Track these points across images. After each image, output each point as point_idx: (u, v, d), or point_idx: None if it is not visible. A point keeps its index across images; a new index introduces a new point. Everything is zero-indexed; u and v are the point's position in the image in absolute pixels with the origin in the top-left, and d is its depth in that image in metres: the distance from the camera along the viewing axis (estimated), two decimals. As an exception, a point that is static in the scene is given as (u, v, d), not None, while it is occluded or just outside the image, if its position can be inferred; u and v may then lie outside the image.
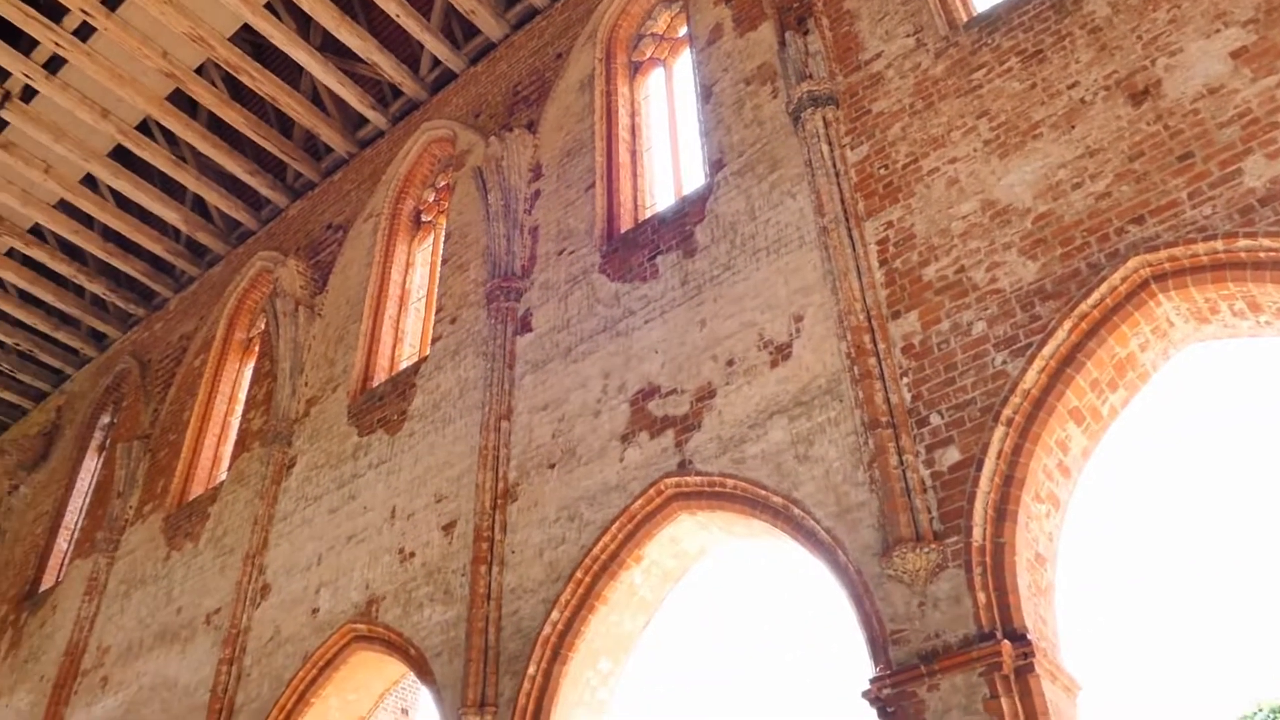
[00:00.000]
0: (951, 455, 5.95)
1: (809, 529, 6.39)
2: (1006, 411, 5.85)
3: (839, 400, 6.61)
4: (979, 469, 5.78)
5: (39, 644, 13.18)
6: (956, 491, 5.82)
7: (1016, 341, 6.03)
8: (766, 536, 7.30)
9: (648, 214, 9.55)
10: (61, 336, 16.35)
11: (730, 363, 7.42)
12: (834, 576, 6.20)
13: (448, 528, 8.70)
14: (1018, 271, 6.26)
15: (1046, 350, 5.88)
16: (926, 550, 5.70)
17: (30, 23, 11.80)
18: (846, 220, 7.21)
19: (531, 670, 7.27)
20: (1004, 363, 6.01)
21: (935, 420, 6.12)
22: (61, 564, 14.34)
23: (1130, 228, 5.94)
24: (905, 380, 6.39)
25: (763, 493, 6.71)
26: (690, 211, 8.57)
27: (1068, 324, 5.89)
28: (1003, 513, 5.66)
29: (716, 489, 7.05)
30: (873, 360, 6.51)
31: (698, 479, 7.14)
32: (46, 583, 14.24)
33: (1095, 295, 5.87)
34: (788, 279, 7.43)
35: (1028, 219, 6.39)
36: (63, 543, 14.64)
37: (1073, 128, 6.50)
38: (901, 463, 6.05)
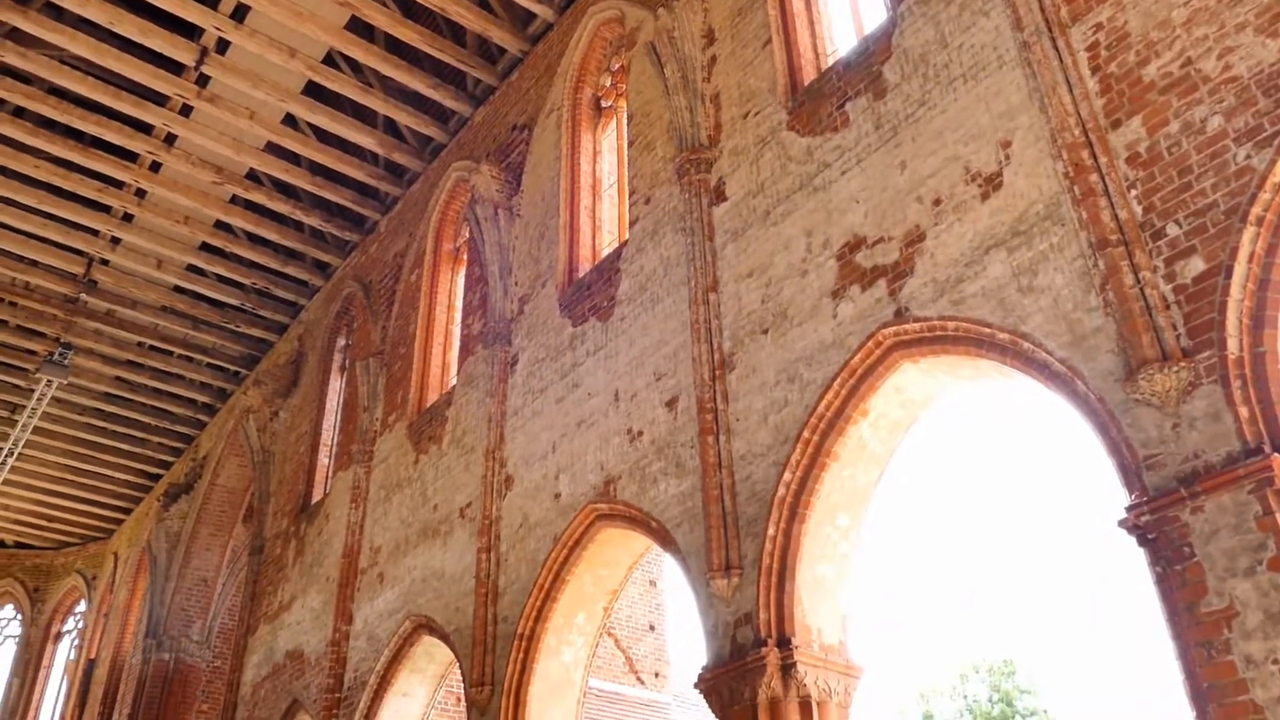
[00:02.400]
0: (1195, 266, 5.53)
1: (1041, 362, 6.14)
2: (1256, 210, 5.35)
3: (1060, 224, 6.23)
4: (1228, 276, 5.35)
5: (319, 550, 14.53)
6: (1204, 304, 5.42)
7: (1261, 132, 5.47)
8: (995, 376, 7.08)
9: (830, 61, 9.16)
10: (291, 271, 17.51)
11: (937, 202, 7.12)
12: (1073, 408, 5.95)
13: (670, 404, 8.89)
14: (1256, 54, 5.64)
15: (1296, 136, 5.32)
16: (1175, 369, 5.37)
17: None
18: (1049, 30, 6.67)
19: (771, 531, 7.42)
20: (1248, 157, 5.48)
21: (1172, 231, 5.69)
22: (326, 477, 15.66)
23: (1389, -19, 5.21)
24: (1133, 193, 5.95)
25: (987, 331, 6.48)
26: (875, 50, 8.16)
27: (1320, 103, 5.29)
28: (1260, 320, 5.24)
29: (937, 333, 6.86)
30: (1094, 177, 6.08)
31: (916, 325, 6.96)
32: (316, 495, 15.61)
33: (1351, 65, 5.23)
34: (989, 105, 7.00)
35: (1261, -8, 5.72)
36: (324, 458, 15.96)
37: (1308, -122, 5.71)
38: (1138, 280, 5.68)
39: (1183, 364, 5.37)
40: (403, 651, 11.77)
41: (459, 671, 11.01)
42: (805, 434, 7.44)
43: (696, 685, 7.58)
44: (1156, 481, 5.33)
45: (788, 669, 6.98)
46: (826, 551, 7.47)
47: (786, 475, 7.46)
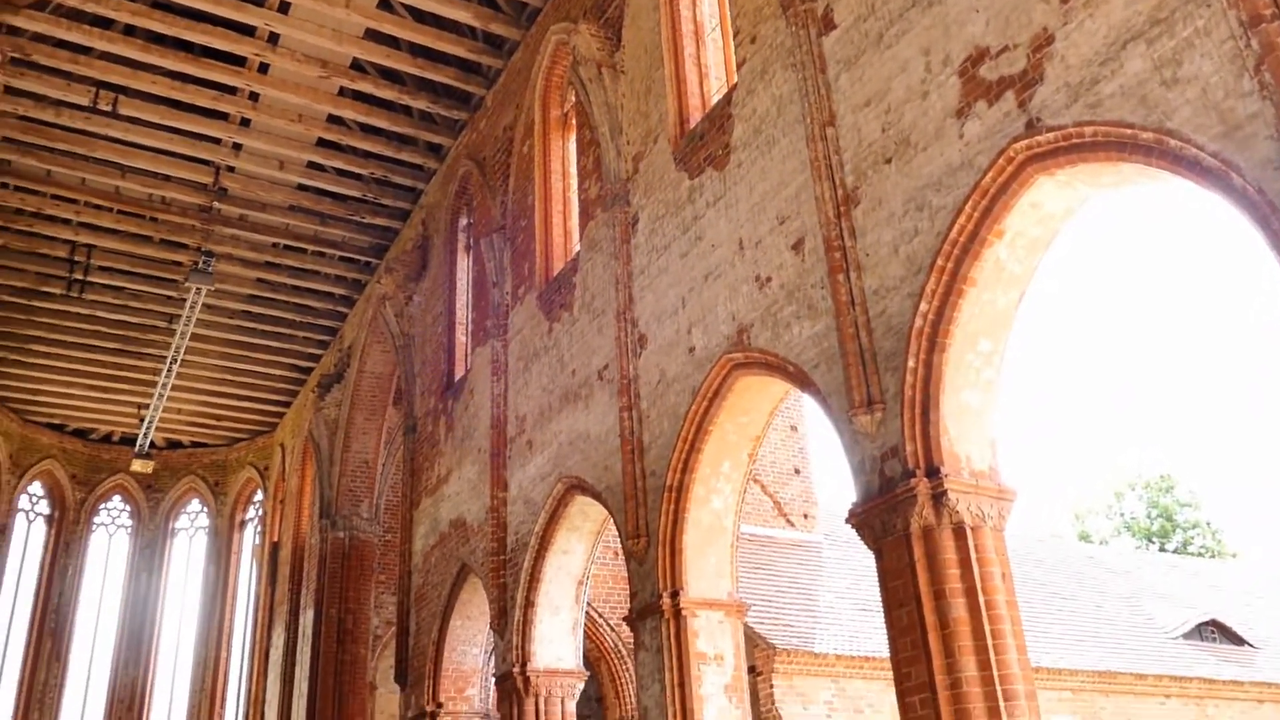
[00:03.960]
0: (1361, 32, 5.04)
1: (1190, 159, 5.77)
2: None
3: (1205, 6, 5.74)
4: (1401, 39, 4.87)
5: (468, 423, 15.10)
6: (1374, 72, 4.96)
7: None
8: (1139, 180, 6.71)
9: None
10: (405, 156, 17.71)
11: (1065, -1, 6.64)
12: (1229, 203, 5.60)
13: (796, 246, 8.76)
14: None
15: None
16: (1343, 148, 4.97)
17: None
18: None
19: (911, 363, 7.33)
20: None
21: (1334, -4, 5.18)
22: (466, 354, 16.14)
23: None
24: (1288, -41, 5.41)
25: (1129, 132, 6.10)
26: None
27: None
28: None
29: (1074, 142, 6.49)
30: (1241, -53, 5.55)
31: (1050, 135, 6.61)
32: (459, 372, 16.14)
33: None
34: (1118, -118, 6.41)
35: None
36: (461, 336, 16.42)
37: None
38: (1297, 56, 5.22)
39: (1351, 142, 4.96)
40: (558, 512, 12.26)
41: (614, 527, 11.43)
42: (939, 262, 7.25)
43: (848, 520, 7.68)
44: (1325, 271, 5.01)
45: (938, 498, 6.98)
46: (970, 379, 7.36)
47: (923, 306, 7.31)
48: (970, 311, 7.26)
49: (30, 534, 27.97)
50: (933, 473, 7.05)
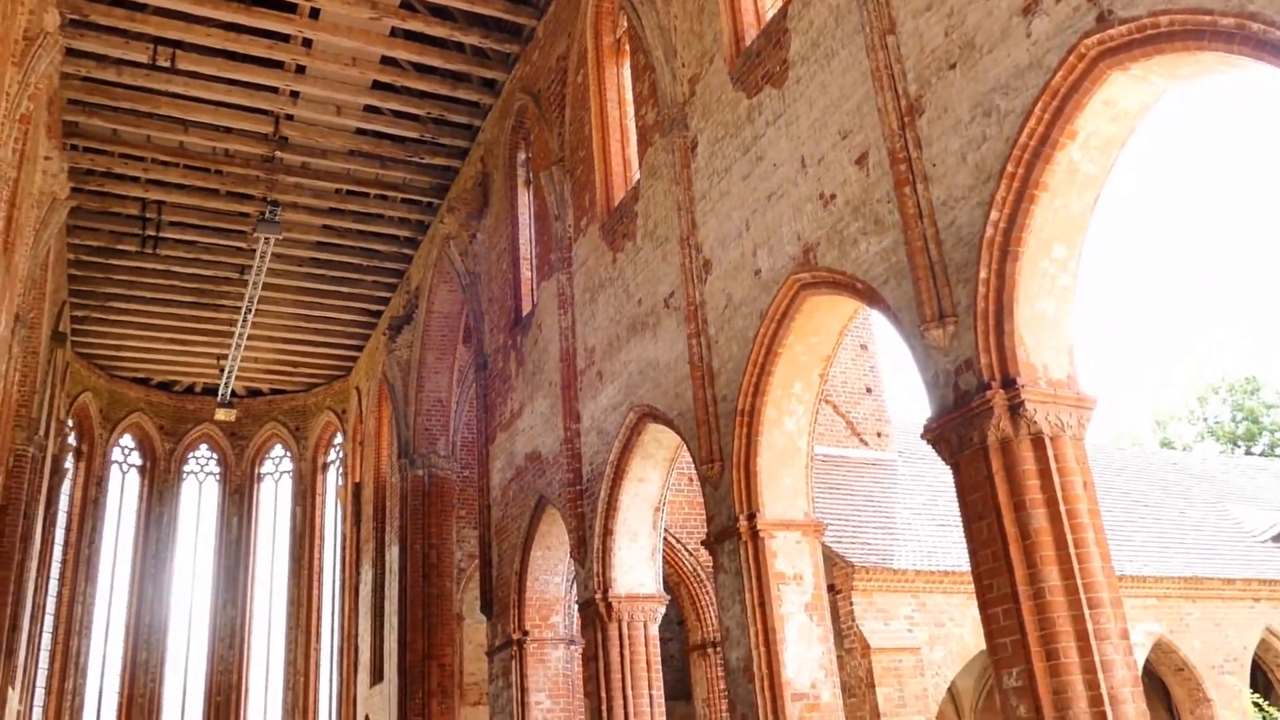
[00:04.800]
0: None
1: (1274, 42, 5.50)
2: None
3: (1288, -123, 5.42)
4: None
5: (538, 358, 15.23)
6: None
7: None
8: (1218, 69, 6.43)
9: None
10: (460, 94, 17.66)
11: (1135, -118, 6.31)
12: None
13: (860, 160, 8.59)
14: None
15: None
16: None
17: None
18: None
19: (983, 274, 7.18)
20: None
21: None
22: (532, 289, 16.22)
23: None
24: None
25: (1207, 19, 5.82)
26: None
27: None
28: None
29: (1148, 32, 6.22)
30: None
31: (1123, 29, 6.33)
32: (526, 307, 16.24)
33: None
34: None
35: None
36: (526, 271, 16.48)
37: None
38: (1389, -75, 4.92)
39: None
40: (631, 441, 12.36)
41: (687, 453, 11.50)
42: (1009, 168, 7.05)
43: (923, 436, 7.62)
44: None
45: (1015, 408, 6.88)
46: (1044, 286, 7.19)
47: (993, 214, 7.14)
48: (1043, 217, 7.07)
49: (125, 485, 29.11)
50: (1009, 384, 6.94)
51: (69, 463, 25.80)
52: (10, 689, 17.60)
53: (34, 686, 23.68)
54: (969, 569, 7.24)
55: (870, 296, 8.40)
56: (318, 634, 28.73)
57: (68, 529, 26.85)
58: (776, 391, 9.81)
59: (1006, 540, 6.71)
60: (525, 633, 14.98)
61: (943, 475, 16.62)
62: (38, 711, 24.83)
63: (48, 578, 24.02)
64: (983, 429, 6.98)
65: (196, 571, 29.66)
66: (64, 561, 26.57)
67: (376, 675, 22.59)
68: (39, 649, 23.95)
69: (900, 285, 7.96)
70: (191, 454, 30.00)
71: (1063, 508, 6.67)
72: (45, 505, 21.08)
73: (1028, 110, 6.93)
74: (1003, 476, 6.86)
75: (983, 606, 6.94)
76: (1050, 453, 6.82)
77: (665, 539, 14.73)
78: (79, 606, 26.69)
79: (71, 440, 26.12)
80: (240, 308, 22.42)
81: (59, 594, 26.19)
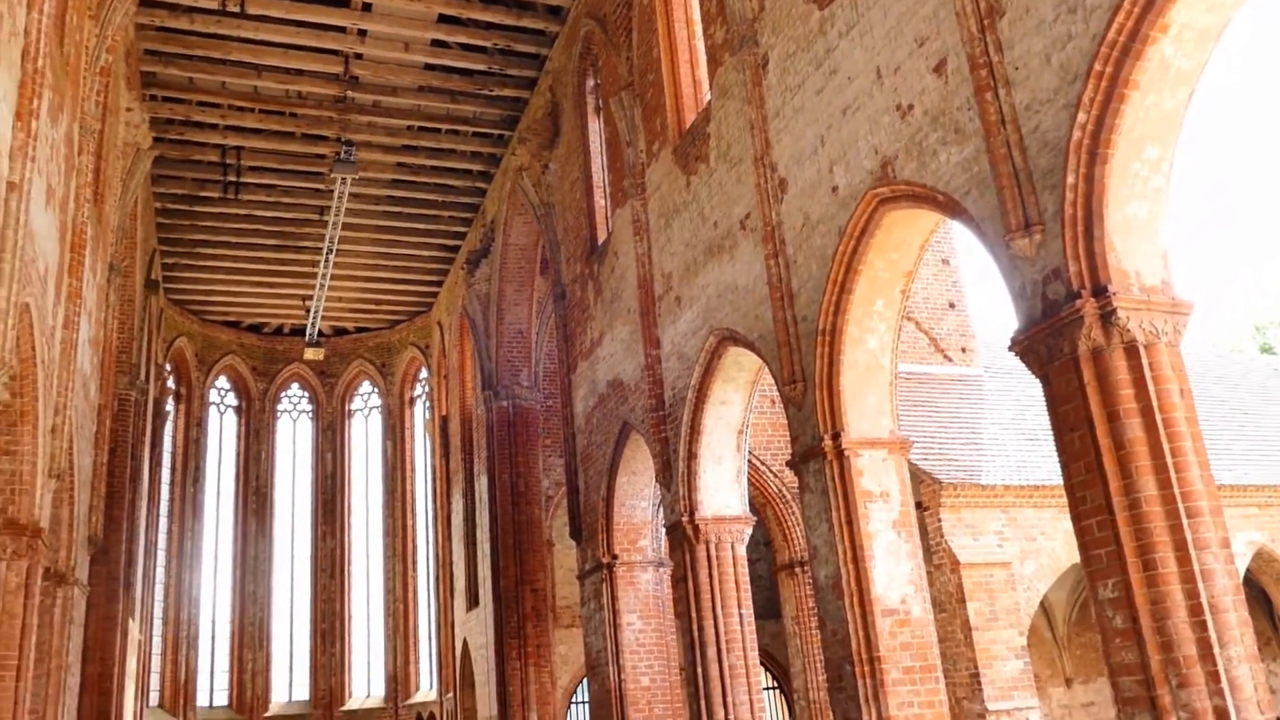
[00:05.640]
0: None
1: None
2: None
3: None
4: None
5: (615, 285, 15.25)
6: None
7: None
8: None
9: None
10: (526, 22, 17.47)
11: None
12: None
13: (938, 68, 8.32)
14: None
15: None
16: None
17: None
18: None
19: (1070, 179, 6.95)
20: None
21: None
22: (606, 217, 16.18)
23: None
24: None
25: (1312, -106, 5.47)
26: None
27: None
28: None
29: (1246, -87, 5.88)
30: None
31: (1219, -90, 5.99)
32: (601, 235, 16.22)
33: None
34: None
35: None
36: (599, 199, 16.43)
37: None
38: None
39: None
40: (712, 364, 12.37)
41: (769, 375, 11.47)
42: (1097, 67, 6.76)
43: (1010, 349, 7.48)
44: None
45: (1107, 316, 6.70)
46: (1136, 189, 6.94)
47: (1080, 116, 6.87)
48: (1134, 117, 6.79)
49: (223, 425, 30.17)
50: (1099, 292, 6.75)
51: (169, 406, 26.81)
52: (130, 620, 18.57)
53: (152, 618, 24.97)
54: (1060, 482, 7.14)
55: (952, 208, 8.21)
56: (414, 563, 29.66)
57: (172, 469, 28.01)
58: (858, 309, 9.69)
59: (1100, 451, 6.59)
60: (614, 556, 15.26)
61: (1031, 389, 16.34)
62: (157, 641, 26.22)
63: (157, 515, 25.13)
64: (1073, 339, 6.82)
65: (295, 506, 30.78)
66: (171, 499, 27.79)
67: (472, 601, 23.28)
68: (154, 582, 25.18)
69: (983, 195, 7.75)
70: (284, 393, 30.91)
71: (1158, 416, 6.51)
72: (150, 447, 21.96)
73: (1116, 4, 6.62)
74: (1095, 387, 6.71)
75: (1076, 519, 6.85)
76: (1144, 361, 6.64)
77: (750, 461, 14.79)
78: (188, 541, 27.94)
79: (170, 384, 27.10)
80: (322, 249, 22.83)
81: (169, 530, 27.44)
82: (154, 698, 25.95)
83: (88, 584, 15.55)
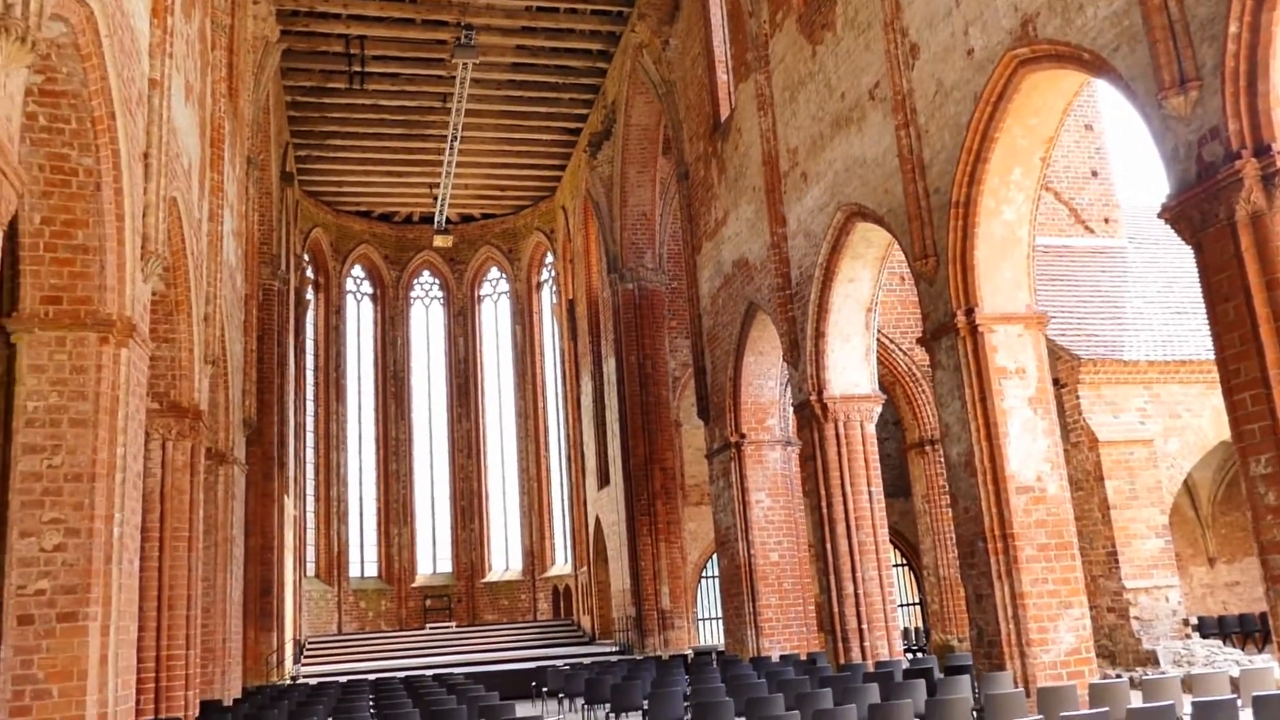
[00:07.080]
0: None
1: None
2: None
3: None
4: None
5: (739, 163, 14.98)
6: None
7: None
8: None
9: None
10: (642, -109, 16.91)
11: None
12: None
13: (1087, -87, 7.72)
14: None
15: None
16: None
17: None
18: None
19: (1233, 29, 6.42)
20: None
21: None
22: (729, 93, 15.81)
23: None
24: None
25: None
26: None
27: None
28: None
29: None
30: None
31: None
32: (724, 112, 15.89)
33: None
34: None
35: None
36: (721, 75, 16.04)
37: None
38: None
39: None
40: (840, 241, 12.12)
41: (898, 251, 11.18)
42: (1267, -99, 6.16)
43: (1160, 216, 7.07)
44: None
45: (1269, 179, 6.26)
46: (1308, 37, 6.37)
47: (1246, -42, 6.31)
48: (1308, -44, 6.20)
49: (360, 312, 31.26)
50: (1262, 151, 6.29)
51: (310, 295, 27.88)
52: (285, 496, 19.76)
53: (305, 495, 26.51)
54: (1209, 357, 6.83)
55: (1098, 67, 7.71)
56: (546, 443, 30.55)
57: (316, 355, 29.30)
58: (994, 180, 9.30)
59: (1256, 321, 6.25)
60: (742, 436, 15.38)
61: (1179, 260, 15.52)
62: (310, 516, 27.88)
63: (304, 399, 26.43)
64: (1230, 203, 6.40)
65: (431, 389, 31.90)
66: (316, 384, 29.14)
67: (603, 479, 23.91)
68: (305, 462, 26.64)
69: (1134, 51, 7.25)
70: (416, 280, 31.76)
71: (1323, 284, 6.11)
72: (294, 335, 22.96)
73: None
74: (1253, 254, 6.32)
75: (1227, 393, 6.55)
76: (1310, 225, 6.21)
77: (879, 339, 14.58)
78: (334, 424, 29.35)
79: (309, 274, 28.11)
80: (446, 136, 23.02)
81: (315, 413, 28.87)
82: (310, 568, 27.73)
83: (245, 463, 16.54)
